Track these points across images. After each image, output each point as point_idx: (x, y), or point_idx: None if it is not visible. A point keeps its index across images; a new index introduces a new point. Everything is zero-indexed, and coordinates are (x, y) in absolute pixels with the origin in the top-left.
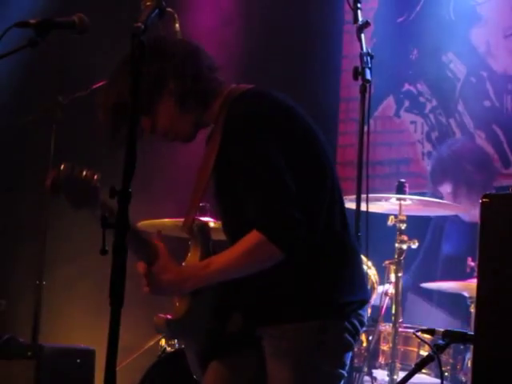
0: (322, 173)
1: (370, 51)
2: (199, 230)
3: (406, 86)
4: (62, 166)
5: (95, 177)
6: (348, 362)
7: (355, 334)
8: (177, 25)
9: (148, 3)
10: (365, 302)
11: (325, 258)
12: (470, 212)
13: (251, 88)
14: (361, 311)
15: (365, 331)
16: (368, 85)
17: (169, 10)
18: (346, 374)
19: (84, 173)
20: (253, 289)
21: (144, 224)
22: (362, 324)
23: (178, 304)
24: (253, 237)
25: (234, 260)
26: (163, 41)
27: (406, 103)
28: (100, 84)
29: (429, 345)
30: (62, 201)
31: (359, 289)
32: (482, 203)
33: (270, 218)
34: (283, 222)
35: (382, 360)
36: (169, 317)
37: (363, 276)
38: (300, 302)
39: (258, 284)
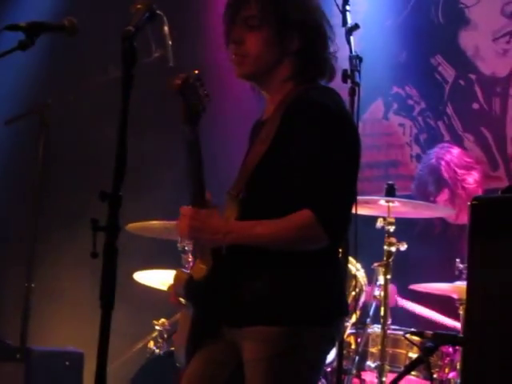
0: (356, 178)
1: (358, 54)
2: (241, 201)
3: (395, 89)
4: (196, 72)
5: (208, 97)
6: (323, 368)
7: (331, 342)
8: (166, 27)
9: (138, 6)
10: (344, 312)
11: (315, 264)
12: (457, 215)
13: (322, 85)
14: (339, 321)
15: (353, 333)
16: (357, 87)
17: (158, 12)
18: (322, 380)
19: (204, 91)
20: (251, 285)
21: (133, 226)
22: (338, 333)
23: (200, 265)
24: (304, 214)
25: (281, 230)
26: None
27: (395, 106)
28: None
29: (418, 347)
30: (51, 202)
31: (340, 299)
32: (472, 206)
33: (327, 203)
34: (339, 211)
35: (370, 362)
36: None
37: (344, 288)
38: (282, 306)
39: (256, 282)
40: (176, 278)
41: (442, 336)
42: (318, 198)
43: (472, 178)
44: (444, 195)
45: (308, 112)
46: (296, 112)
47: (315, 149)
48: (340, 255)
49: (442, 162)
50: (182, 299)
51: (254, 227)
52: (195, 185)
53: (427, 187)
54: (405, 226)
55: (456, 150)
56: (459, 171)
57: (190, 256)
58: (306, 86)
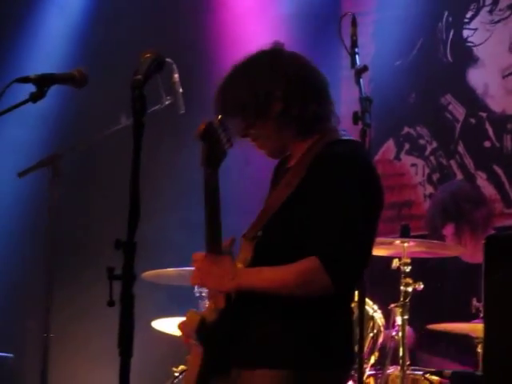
0: (375, 234)
1: (368, 95)
2: (257, 244)
3: (406, 129)
4: (218, 118)
5: (230, 143)
6: None
7: None
8: (176, 75)
9: (147, 55)
10: (351, 360)
11: (326, 312)
12: (472, 253)
13: (350, 138)
14: (346, 368)
15: (372, 375)
16: (368, 129)
17: (168, 60)
18: None
19: (227, 137)
20: (262, 330)
21: (149, 274)
22: (346, 380)
23: (212, 308)
24: (310, 261)
25: (286, 275)
26: (278, 56)
27: (406, 146)
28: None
29: None
30: (65, 251)
31: (347, 348)
32: (486, 244)
33: (335, 252)
34: (349, 262)
35: None
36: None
37: (353, 337)
38: (291, 350)
39: (267, 327)
40: (188, 319)
41: (461, 375)
42: (327, 246)
43: (479, 214)
44: (450, 229)
45: (334, 165)
46: (323, 165)
47: (336, 200)
48: (356, 297)
49: (448, 195)
50: (192, 340)
51: (259, 272)
52: (211, 230)
53: (435, 220)
54: (419, 266)
55: (465, 185)
56: (464, 205)
57: (207, 302)
58: (331, 136)
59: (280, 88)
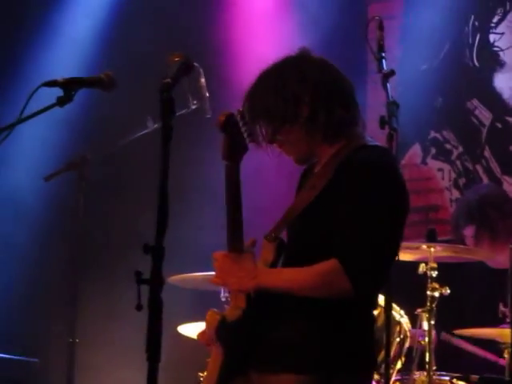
0: (400, 240)
1: (395, 100)
2: (279, 245)
3: (432, 134)
4: (240, 110)
5: (251, 137)
6: None
7: None
8: (202, 79)
9: (176, 59)
10: (372, 363)
11: (348, 315)
12: (497, 259)
13: (376, 144)
14: (367, 371)
15: (399, 380)
16: (395, 133)
17: (195, 64)
18: None
19: (247, 130)
20: (283, 332)
21: (175, 279)
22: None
23: (233, 308)
24: (331, 264)
25: (305, 276)
26: (305, 61)
27: (433, 150)
28: (125, 141)
29: None
30: (91, 255)
31: (369, 350)
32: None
33: (357, 256)
34: (370, 266)
35: None
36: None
37: (374, 340)
38: (312, 354)
39: (288, 330)
40: (208, 319)
41: (488, 380)
42: (349, 249)
43: (502, 223)
44: (470, 230)
45: (361, 171)
46: (351, 169)
47: (362, 205)
48: (383, 302)
49: (477, 197)
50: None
51: (280, 273)
52: (232, 227)
53: (459, 218)
54: (446, 270)
55: (494, 191)
56: (489, 211)
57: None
58: (358, 141)
59: (307, 93)
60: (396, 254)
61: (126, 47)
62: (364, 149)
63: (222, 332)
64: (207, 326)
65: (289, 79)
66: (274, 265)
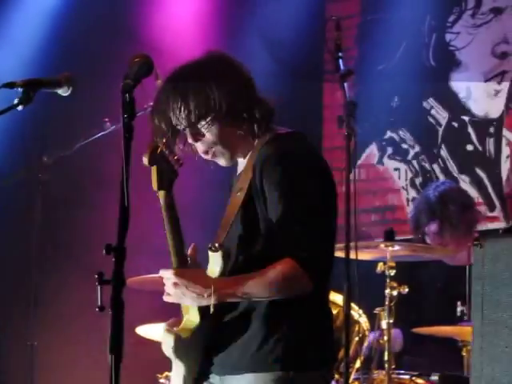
0: (335, 218)
1: (353, 99)
2: (224, 253)
3: (389, 133)
4: (163, 140)
5: (179, 163)
6: None
7: None
8: (159, 81)
9: (136, 59)
10: (333, 357)
11: (304, 313)
12: (455, 256)
13: (287, 131)
14: (328, 366)
15: (357, 379)
16: (353, 133)
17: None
18: None
19: (175, 157)
20: (241, 336)
21: (133, 281)
22: (329, 377)
23: (187, 323)
24: (287, 263)
25: (267, 279)
26: (225, 62)
27: (389, 150)
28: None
29: None
30: (50, 257)
31: (329, 345)
32: (474, 246)
33: (308, 251)
34: (319, 255)
35: None
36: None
37: (333, 335)
38: (273, 354)
39: (246, 332)
40: (163, 339)
41: (448, 377)
42: (296, 245)
43: (464, 218)
44: (433, 226)
45: (275, 162)
46: (264, 163)
47: (286, 196)
48: (342, 302)
49: (436, 193)
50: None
51: (237, 282)
52: (175, 246)
53: (420, 216)
54: (404, 269)
55: (455, 187)
56: (451, 206)
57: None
58: (271, 135)
59: (225, 91)
60: (334, 233)
61: (80, 49)
62: (277, 139)
63: (179, 350)
64: (163, 345)
65: (206, 78)
66: (223, 274)
